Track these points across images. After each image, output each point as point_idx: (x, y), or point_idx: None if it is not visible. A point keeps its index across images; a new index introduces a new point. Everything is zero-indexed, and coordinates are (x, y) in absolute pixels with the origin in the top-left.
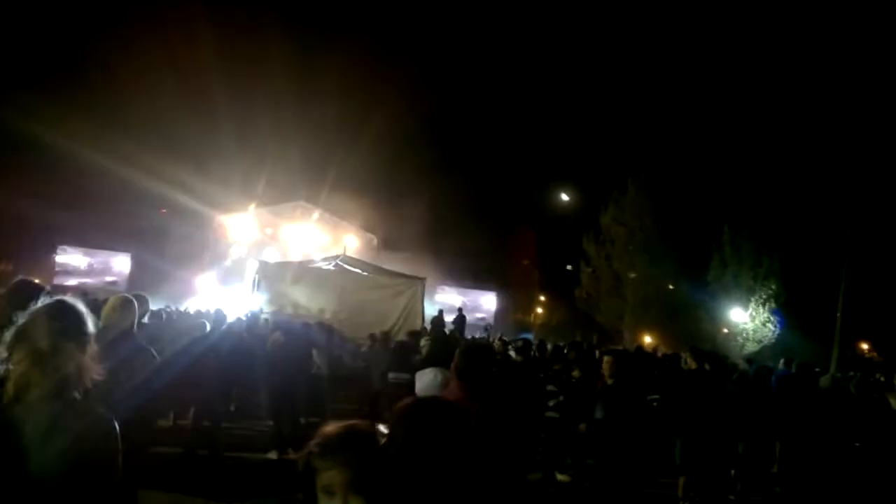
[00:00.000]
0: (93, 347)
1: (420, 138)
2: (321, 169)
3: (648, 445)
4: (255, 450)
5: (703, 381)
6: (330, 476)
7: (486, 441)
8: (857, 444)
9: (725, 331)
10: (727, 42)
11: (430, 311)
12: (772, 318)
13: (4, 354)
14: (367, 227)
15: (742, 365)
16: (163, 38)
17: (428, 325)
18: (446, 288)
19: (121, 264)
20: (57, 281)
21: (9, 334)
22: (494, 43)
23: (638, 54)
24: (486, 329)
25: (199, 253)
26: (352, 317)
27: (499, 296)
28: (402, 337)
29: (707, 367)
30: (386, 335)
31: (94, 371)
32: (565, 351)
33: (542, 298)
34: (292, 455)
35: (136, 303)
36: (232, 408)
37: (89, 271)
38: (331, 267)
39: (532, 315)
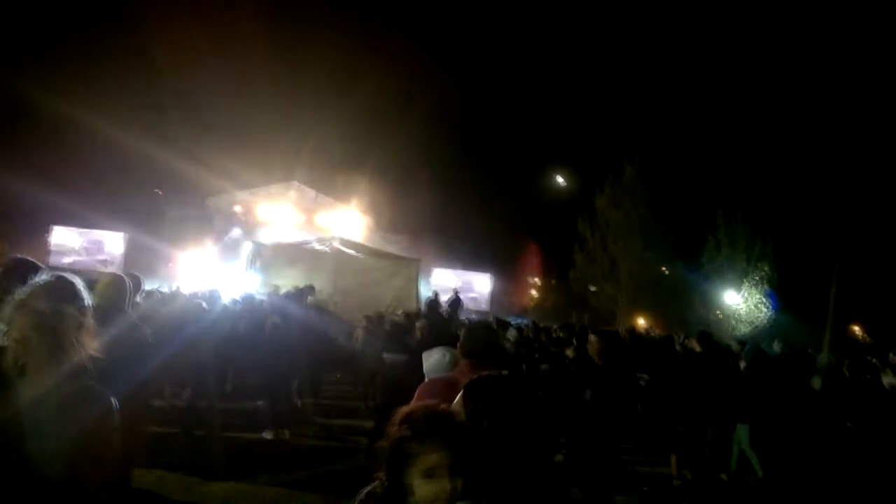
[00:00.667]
0: (90, 320)
1: (416, 120)
2: (317, 150)
3: (638, 426)
4: (250, 430)
5: (705, 363)
6: (432, 460)
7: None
8: (849, 425)
9: (718, 313)
10: (723, 26)
11: (426, 292)
12: (764, 301)
13: (4, 327)
14: (363, 209)
15: (734, 346)
16: (165, 18)
17: (423, 307)
18: (441, 269)
19: (115, 244)
20: (51, 261)
21: (8, 307)
22: (493, 26)
23: (635, 38)
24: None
25: (195, 234)
26: (346, 298)
27: (493, 278)
28: (396, 318)
29: (709, 350)
30: (380, 316)
31: (92, 345)
32: (555, 333)
33: (537, 281)
34: (286, 435)
35: (129, 281)
36: (228, 388)
37: (83, 251)
38: (326, 248)
39: (527, 297)
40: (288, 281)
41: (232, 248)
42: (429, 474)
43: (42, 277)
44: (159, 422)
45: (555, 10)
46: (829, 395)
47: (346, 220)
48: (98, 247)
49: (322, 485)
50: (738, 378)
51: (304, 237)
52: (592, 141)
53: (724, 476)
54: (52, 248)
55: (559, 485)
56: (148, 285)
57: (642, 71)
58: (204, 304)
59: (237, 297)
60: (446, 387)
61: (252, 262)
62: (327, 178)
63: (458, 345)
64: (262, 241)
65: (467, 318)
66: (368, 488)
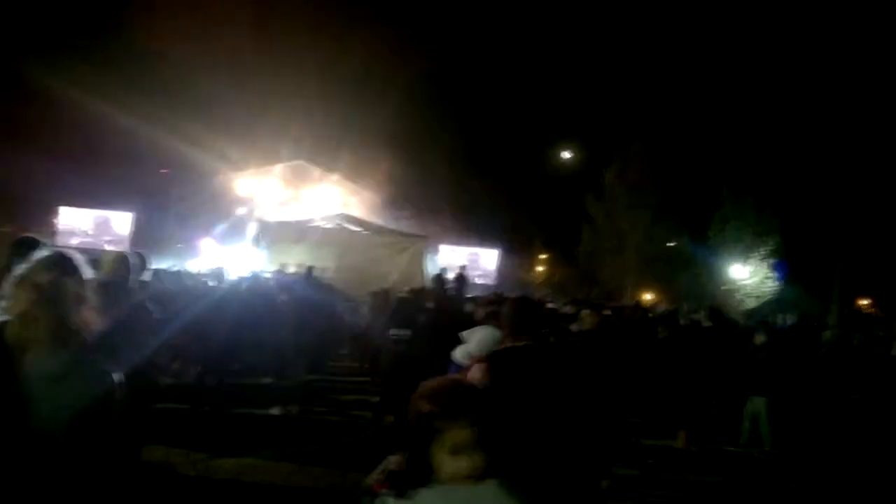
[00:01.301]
0: (91, 294)
1: (422, 96)
2: (321, 127)
3: (645, 400)
4: (257, 406)
5: (715, 337)
6: (459, 435)
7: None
8: (855, 397)
9: (725, 287)
10: (728, 5)
11: (432, 269)
12: (771, 274)
13: (4, 303)
14: (369, 186)
15: (741, 321)
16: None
17: (429, 284)
18: (448, 246)
19: (123, 224)
20: (59, 241)
21: (9, 282)
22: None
23: (643, 16)
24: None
25: (200, 213)
26: (352, 275)
27: (501, 253)
28: (402, 294)
29: (718, 325)
30: (386, 293)
31: (94, 320)
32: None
33: (544, 257)
34: (294, 411)
35: (133, 259)
36: (235, 365)
37: (91, 231)
38: (331, 226)
39: (533, 273)
40: (294, 259)
41: (238, 227)
42: (455, 451)
43: (42, 253)
44: (167, 398)
45: None
46: (838, 366)
47: (352, 198)
48: (105, 227)
49: (329, 459)
50: (754, 351)
51: (311, 215)
52: (600, 117)
53: (731, 449)
54: (60, 228)
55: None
56: (155, 264)
57: (649, 47)
58: (210, 282)
59: (244, 275)
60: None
61: (257, 241)
62: (333, 157)
63: (505, 321)
64: (268, 219)
65: (478, 295)
66: (388, 466)
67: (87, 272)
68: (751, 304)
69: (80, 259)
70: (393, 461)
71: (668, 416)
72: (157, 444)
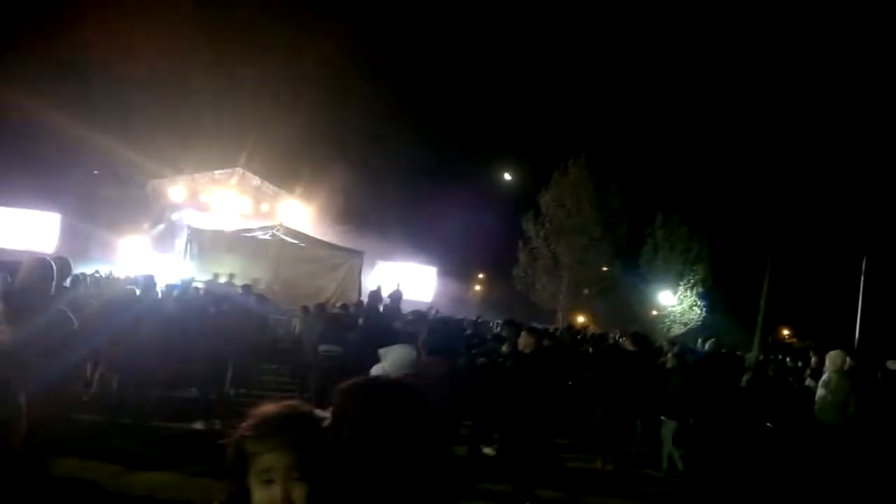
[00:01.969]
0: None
1: (368, 112)
2: (260, 136)
3: (574, 422)
4: (180, 419)
5: (636, 361)
6: (270, 460)
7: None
8: (769, 425)
9: (654, 312)
10: (666, 34)
11: (370, 285)
12: (698, 302)
13: None
14: (308, 198)
15: (666, 347)
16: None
17: (365, 299)
18: (385, 262)
19: (49, 226)
20: None
21: None
22: (450, 17)
23: (585, 45)
24: (430, 310)
25: (131, 217)
26: (286, 288)
27: (438, 271)
28: (334, 310)
29: (640, 349)
30: (321, 307)
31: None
32: (497, 329)
33: (481, 276)
34: (218, 426)
35: (55, 266)
36: (159, 376)
37: (14, 231)
38: (267, 237)
39: (471, 292)
40: (226, 268)
41: (170, 233)
42: (267, 478)
43: None
44: (86, 409)
45: (509, 12)
46: (754, 394)
47: (291, 210)
48: (30, 227)
49: None
50: (665, 375)
51: (247, 225)
52: (539, 139)
53: (651, 472)
54: None
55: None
56: (83, 268)
57: (589, 74)
58: (136, 291)
59: (174, 283)
60: (424, 381)
61: (189, 249)
62: (273, 166)
63: (422, 340)
64: (202, 227)
65: (411, 311)
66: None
67: None
68: (678, 330)
69: None
70: (222, 492)
71: (592, 439)
72: (74, 455)
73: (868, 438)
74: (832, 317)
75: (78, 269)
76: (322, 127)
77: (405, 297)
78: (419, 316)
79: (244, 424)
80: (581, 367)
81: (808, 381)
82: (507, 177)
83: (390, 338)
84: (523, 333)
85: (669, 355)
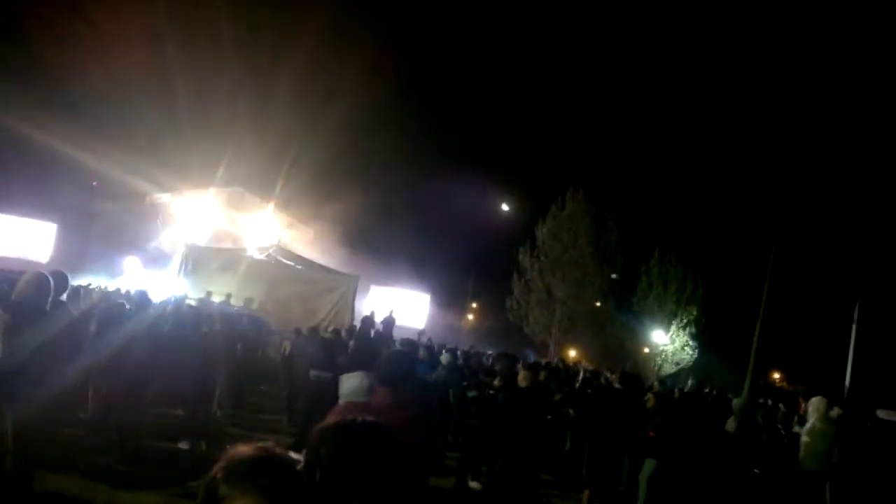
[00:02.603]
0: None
1: (366, 136)
2: (261, 156)
3: (561, 459)
4: (166, 438)
5: (623, 400)
6: None
7: (411, 448)
8: (756, 471)
9: (646, 350)
10: (667, 71)
11: (363, 309)
12: (690, 343)
13: None
14: (306, 219)
15: (657, 386)
16: (109, 6)
17: (358, 324)
18: (380, 287)
19: (45, 235)
20: None
21: None
22: (445, 47)
23: (584, 80)
24: (419, 335)
25: (127, 231)
26: (279, 309)
27: (432, 299)
28: (326, 335)
29: (628, 388)
30: (313, 331)
31: None
32: (489, 361)
33: (475, 306)
34: (204, 446)
35: (52, 280)
36: (147, 393)
37: (9, 239)
38: (263, 257)
39: (463, 321)
40: (221, 287)
41: (165, 250)
42: None
43: None
44: (73, 424)
45: (510, 44)
46: (741, 439)
47: (289, 230)
48: (26, 237)
49: None
50: (646, 416)
51: (244, 244)
52: (538, 172)
53: None
54: None
55: None
56: (76, 280)
57: (590, 108)
58: (128, 306)
59: (167, 300)
60: (363, 412)
61: (184, 265)
62: (272, 186)
63: (380, 372)
64: (198, 244)
65: (399, 339)
66: None
67: None
68: (669, 369)
69: None
70: None
71: (580, 476)
72: (59, 471)
73: (849, 487)
74: (824, 362)
75: (72, 281)
76: (323, 151)
77: (398, 323)
78: (409, 344)
79: (217, 466)
80: (569, 404)
81: (796, 428)
82: (505, 208)
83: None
84: (521, 369)
85: (649, 395)
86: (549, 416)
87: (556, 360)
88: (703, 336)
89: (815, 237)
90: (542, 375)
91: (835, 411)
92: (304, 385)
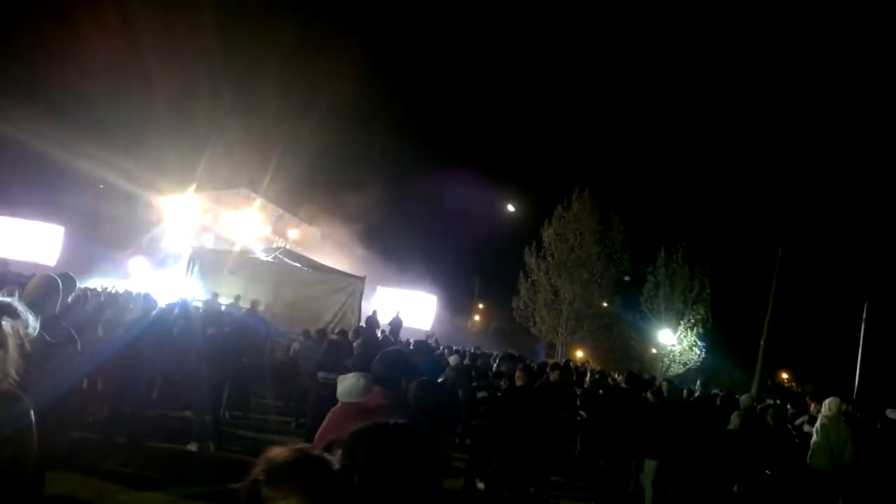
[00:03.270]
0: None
1: (373, 137)
2: (266, 157)
3: (570, 460)
4: (174, 440)
5: (629, 401)
6: None
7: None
8: (768, 472)
9: (654, 351)
10: (671, 68)
11: (370, 310)
12: (698, 343)
13: None
14: (311, 221)
15: (665, 386)
16: (103, 11)
17: (364, 324)
18: (386, 287)
19: (52, 237)
20: None
21: None
22: (452, 48)
23: (590, 79)
24: (427, 337)
25: (134, 233)
26: (286, 311)
27: (439, 299)
28: (333, 336)
29: (634, 389)
30: (321, 332)
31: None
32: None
33: (481, 306)
34: (212, 448)
35: (61, 283)
36: (154, 395)
37: (17, 242)
38: (269, 259)
39: (470, 322)
40: (229, 289)
41: (171, 252)
42: None
43: None
44: (81, 426)
45: (514, 45)
46: (745, 438)
47: (295, 232)
48: (33, 239)
49: None
50: (648, 415)
51: (250, 245)
52: (544, 173)
53: None
54: None
55: None
56: (84, 283)
57: (596, 108)
58: (133, 308)
59: (173, 302)
60: (359, 413)
61: (191, 268)
62: (279, 188)
63: (376, 373)
64: (205, 246)
65: (411, 340)
66: None
67: (29, 321)
68: (677, 369)
69: (20, 308)
70: None
71: (589, 479)
72: (67, 472)
73: (865, 487)
74: (832, 362)
75: (80, 283)
76: (330, 152)
77: (405, 324)
78: (420, 346)
79: (256, 469)
80: (577, 404)
81: (806, 427)
82: (511, 208)
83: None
84: (518, 369)
85: (648, 394)
86: (565, 414)
87: (563, 360)
88: (710, 336)
89: (822, 236)
90: (554, 375)
91: (843, 409)
92: (311, 387)
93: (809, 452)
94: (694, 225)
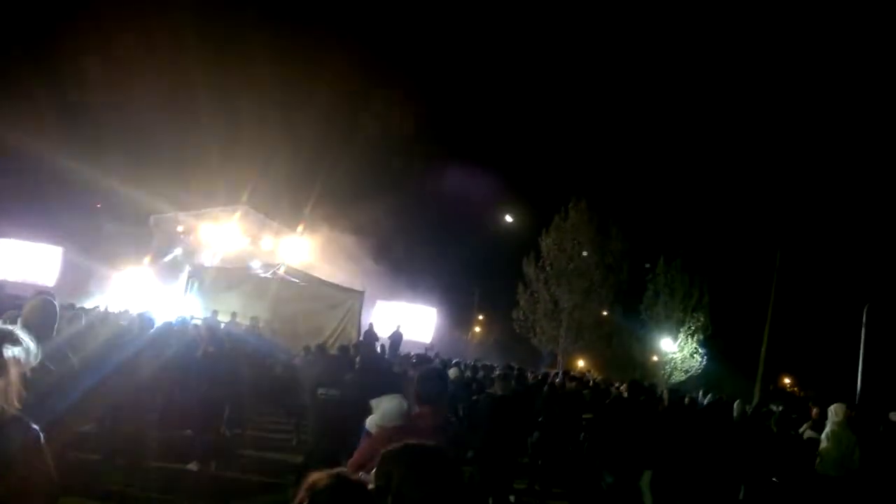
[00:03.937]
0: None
1: (369, 150)
2: (264, 173)
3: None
4: (175, 460)
5: (632, 411)
6: None
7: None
8: (775, 480)
9: (655, 358)
10: (667, 78)
11: (368, 324)
12: (699, 350)
13: None
14: (310, 236)
15: (666, 395)
16: (109, 30)
17: (362, 339)
18: (386, 301)
19: (51, 258)
20: None
21: None
22: (446, 57)
23: (589, 90)
24: (427, 350)
25: (132, 252)
26: (286, 327)
27: (438, 312)
28: (333, 352)
29: (636, 398)
30: (321, 348)
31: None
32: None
33: (481, 318)
34: (213, 467)
35: (57, 305)
36: (154, 415)
37: (15, 264)
38: (268, 275)
39: (470, 334)
40: (228, 306)
41: (171, 270)
42: None
43: None
44: (81, 448)
45: (513, 53)
46: (743, 444)
47: (294, 247)
48: (32, 260)
49: None
50: (648, 423)
51: (249, 262)
52: (541, 183)
53: None
54: None
55: None
56: (83, 303)
57: (591, 117)
58: (130, 327)
59: (172, 321)
60: (410, 437)
61: (190, 285)
62: (277, 204)
63: (415, 391)
64: (203, 263)
65: (412, 354)
66: None
67: (31, 349)
68: (678, 377)
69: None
70: None
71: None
72: (68, 495)
73: (875, 492)
74: (834, 367)
75: (78, 304)
76: (326, 166)
77: (405, 337)
78: (424, 361)
79: (300, 496)
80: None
81: (809, 433)
82: (509, 219)
83: (388, 381)
84: (496, 379)
85: (621, 386)
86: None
87: (561, 370)
88: (711, 343)
89: (820, 241)
90: (571, 383)
91: (846, 414)
92: (312, 403)
93: (818, 459)
94: (692, 232)
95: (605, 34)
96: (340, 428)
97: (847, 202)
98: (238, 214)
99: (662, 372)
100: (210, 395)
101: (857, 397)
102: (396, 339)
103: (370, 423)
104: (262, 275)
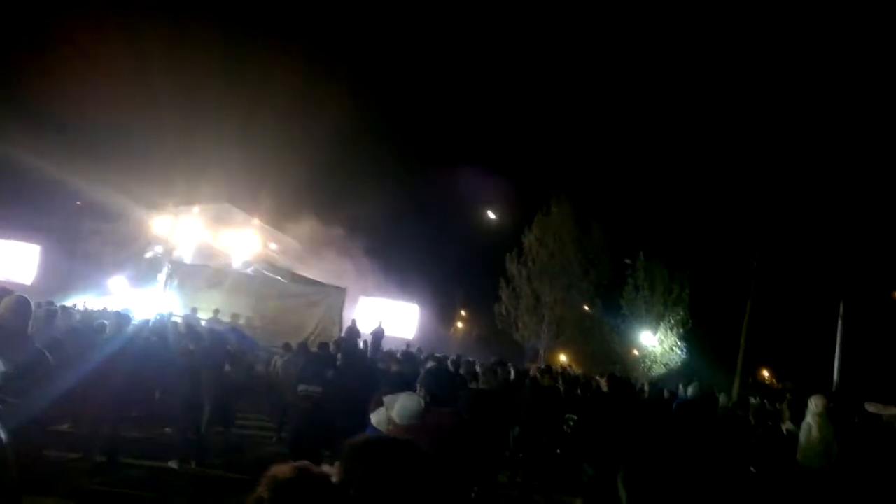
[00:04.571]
0: None
1: (351, 147)
2: (245, 170)
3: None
4: (154, 458)
5: (611, 404)
6: None
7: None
8: (753, 469)
9: (635, 353)
10: (650, 76)
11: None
12: (679, 344)
13: None
14: (292, 233)
15: (647, 388)
16: (88, 27)
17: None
18: (368, 297)
19: (28, 256)
20: None
21: None
22: (429, 57)
23: (569, 87)
24: (407, 346)
25: (112, 250)
26: (267, 324)
27: (421, 308)
28: (314, 349)
29: (615, 391)
30: (302, 345)
31: None
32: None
33: (463, 314)
34: (193, 465)
35: (31, 304)
36: (133, 413)
37: None
38: (249, 272)
39: (452, 329)
40: (208, 304)
41: (151, 267)
42: None
43: None
44: (59, 447)
45: (495, 51)
46: (724, 437)
47: (275, 244)
48: (10, 258)
49: None
50: (629, 416)
51: (230, 259)
52: (523, 179)
53: None
54: None
55: None
56: (61, 301)
57: (573, 114)
58: (108, 325)
59: (150, 319)
60: (424, 436)
61: (169, 283)
62: (258, 201)
63: (431, 391)
64: (183, 261)
65: (398, 351)
66: None
67: None
68: (659, 371)
69: None
70: None
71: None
72: (47, 494)
73: (854, 482)
74: (811, 359)
75: (57, 302)
76: (308, 163)
77: (387, 334)
78: (409, 358)
79: (261, 488)
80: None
81: (788, 425)
82: (491, 216)
83: (371, 378)
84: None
85: (601, 379)
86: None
87: (543, 365)
88: (691, 337)
89: (799, 236)
90: (545, 379)
91: (826, 405)
92: (292, 401)
93: (799, 450)
94: (672, 227)
95: (585, 32)
96: (322, 425)
97: (825, 198)
98: (219, 212)
99: (643, 366)
100: (190, 393)
101: (833, 388)
102: (378, 334)
103: (379, 419)
104: (243, 271)
